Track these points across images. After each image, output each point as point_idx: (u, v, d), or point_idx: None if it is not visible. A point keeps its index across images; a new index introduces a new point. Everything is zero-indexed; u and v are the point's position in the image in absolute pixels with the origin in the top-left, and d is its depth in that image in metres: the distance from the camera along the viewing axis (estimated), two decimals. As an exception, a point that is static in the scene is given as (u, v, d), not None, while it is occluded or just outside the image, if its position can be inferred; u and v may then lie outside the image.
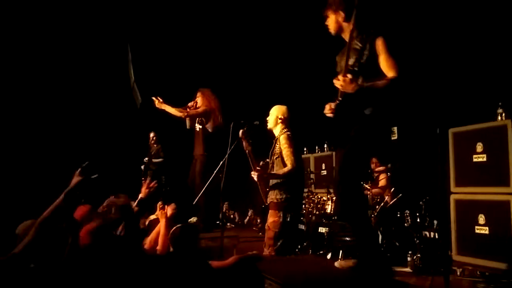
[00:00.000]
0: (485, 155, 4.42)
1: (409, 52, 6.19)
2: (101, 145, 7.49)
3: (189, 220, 5.28)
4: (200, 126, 5.52)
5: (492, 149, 4.36)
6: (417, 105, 6.13)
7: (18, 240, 2.39)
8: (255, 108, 4.83)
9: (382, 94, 3.03)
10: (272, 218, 4.08)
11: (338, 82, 3.15)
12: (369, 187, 5.37)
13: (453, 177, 4.74)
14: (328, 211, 5.74)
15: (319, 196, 6.00)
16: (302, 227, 6.10)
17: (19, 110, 6.79)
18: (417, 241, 4.74)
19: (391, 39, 3.30)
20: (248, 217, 8.98)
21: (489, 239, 4.28)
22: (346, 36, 3.27)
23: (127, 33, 7.37)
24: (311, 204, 5.99)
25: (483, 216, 4.37)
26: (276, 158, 4.18)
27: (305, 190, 6.32)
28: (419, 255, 4.63)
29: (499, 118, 4.38)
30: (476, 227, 4.42)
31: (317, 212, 5.84)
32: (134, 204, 3.58)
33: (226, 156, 4.30)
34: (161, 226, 3.61)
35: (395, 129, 6.95)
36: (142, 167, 7.39)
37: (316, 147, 7.89)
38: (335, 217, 5.67)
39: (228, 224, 8.75)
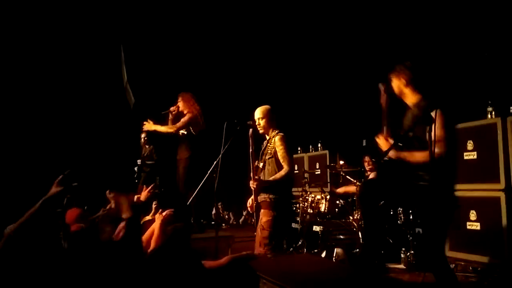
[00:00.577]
0: (475, 153, 4.48)
1: (401, 51, 6.26)
2: (94, 146, 7.48)
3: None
4: (185, 132, 5.55)
5: (483, 146, 4.42)
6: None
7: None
8: (244, 108, 4.82)
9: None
10: (265, 217, 4.09)
11: (380, 141, 3.34)
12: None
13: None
14: (322, 210, 5.78)
15: (313, 195, 6.04)
16: (296, 226, 6.15)
17: (10, 110, 6.76)
18: (410, 238, 4.81)
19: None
20: (243, 217, 9.02)
21: (480, 234, 4.34)
22: (407, 100, 3.35)
23: (120, 34, 7.36)
24: (305, 203, 6.02)
25: (474, 212, 4.43)
26: (268, 158, 4.18)
27: (299, 189, 6.35)
28: (412, 251, 4.69)
29: (489, 116, 4.45)
30: (467, 223, 4.48)
31: (311, 211, 5.88)
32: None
33: (220, 156, 4.29)
34: (155, 228, 3.63)
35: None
36: (136, 168, 7.39)
37: (310, 147, 7.93)
38: (329, 216, 5.72)
39: (223, 224, 8.79)
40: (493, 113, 4.43)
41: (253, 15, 7.85)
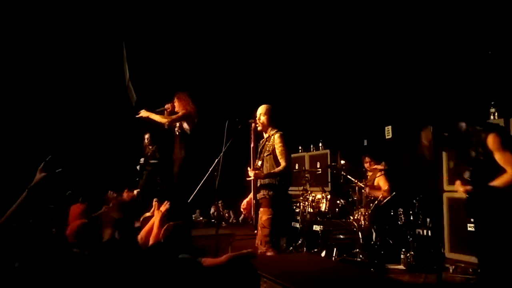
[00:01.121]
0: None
1: (404, 53, 6.26)
2: (96, 143, 7.48)
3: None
4: (179, 130, 5.57)
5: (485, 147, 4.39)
6: (411, 105, 6.17)
7: None
8: (246, 107, 4.82)
9: None
10: (265, 215, 4.10)
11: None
12: (363, 185, 5.40)
13: (446, 175, 4.78)
14: (323, 209, 5.78)
15: (314, 195, 6.03)
16: (296, 225, 6.14)
17: (12, 108, 6.77)
18: (410, 239, 4.80)
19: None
20: (242, 215, 9.01)
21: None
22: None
23: (122, 32, 7.36)
24: (306, 203, 6.02)
25: (475, 214, 4.41)
26: (267, 155, 4.22)
27: (300, 188, 6.35)
28: (412, 252, 4.69)
29: (492, 117, 4.42)
30: (468, 225, 4.45)
31: (311, 210, 5.88)
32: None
33: (221, 154, 4.31)
34: (154, 223, 3.63)
35: (390, 128, 7.01)
36: (138, 167, 7.39)
37: (311, 146, 7.92)
38: (329, 215, 5.72)
39: (223, 222, 8.79)
40: (496, 114, 4.41)
41: (255, 14, 7.84)
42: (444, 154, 4.83)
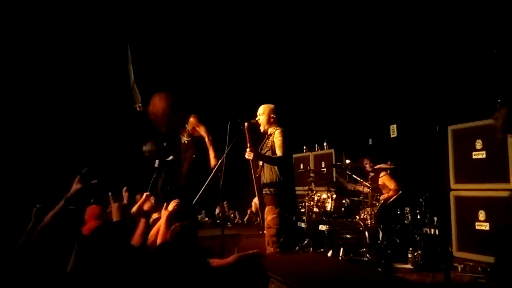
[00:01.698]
0: (484, 152, 4.44)
1: (409, 50, 6.22)
2: (107, 145, 7.50)
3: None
4: (189, 139, 5.70)
5: (492, 146, 4.37)
6: (416, 103, 6.15)
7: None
8: (249, 108, 4.83)
9: None
10: (270, 215, 4.09)
11: None
12: (369, 185, 5.37)
13: (452, 174, 4.76)
14: (328, 209, 5.75)
15: (319, 194, 6.01)
16: (302, 225, 6.13)
17: (23, 110, 6.81)
18: (418, 238, 4.78)
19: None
20: (247, 216, 9.01)
21: (489, 235, 4.30)
22: None
23: (126, 33, 7.36)
24: (311, 202, 6.00)
25: (483, 212, 4.39)
26: (266, 152, 4.23)
27: (305, 188, 6.33)
28: (419, 251, 4.66)
29: (498, 115, 4.39)
30: (476, 223, 4.44)
31: (317, 210, 5.86)
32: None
33: (224, 155, 4.30)
34: (161, 223, 3.61)
35: (395, 127, 6.99)
36: (156, 164, 7.33)
37: (316, 145, 7.90)
38: (335, 215, 5.70)
39: (228, 223, 8.78)
40: (502, 111, 4.38)
41: (258, 14, 7.82)
42: (450, 153, 4.81)
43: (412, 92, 6.27)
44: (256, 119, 4.33)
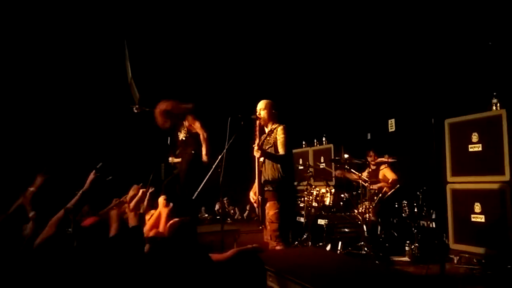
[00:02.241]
0: (480, 145, 4.47)
1: (405, 45, 6.25)
2: (104, 144, 7.54)
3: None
4: (187, 135, 5.70)
5: (488, 138, 4.41)
6: (414, 97, 6.18)
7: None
8: (248, 103, 4.86)
9: None
10: (272, 210, 4.14)
11: None
12: (367, 178, 5.42)
13: (449, 167, 4.80)
14: (327, 203, 5.80)
15: (318, 189, 6.06)
16: (301, 219, 6.18)
17: (18, 108, 6.83)
18: (415, 231, 4.83)
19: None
20: (247, 212, 9.07)
21: (485, 227, 4.34)
22: None
23: (123, 29, 7.38)
24: (310, 197, 6.04)
25: (479, 205, 4.43)
26: (268, 148, 4.27)
27: (304, 183, 6.37)
28: (417, 244, 4.72)
29: (494, 108, 4.43)
30: (472, 215, 4.48)
31: (316, 205, 5.91)
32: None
33: (224, 151, 4.33)
34: (161, 218, 3.64)
35: (393, 121, 7.03)
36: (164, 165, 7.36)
37: (315, 140, 7.93)
38: (334, 209, 5.75)
39: (228, 219, 8.84)
40: (498, 104, 4.41)
41: (257, 10, 7.84)
42: (447, 146, 4.85)
43: (410, 86, 6.31)
44: (257, 114, 4.37)
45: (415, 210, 5.00)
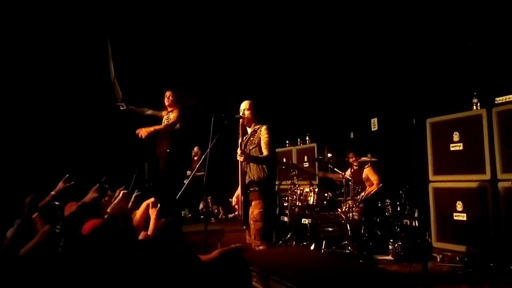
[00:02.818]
0: (461, 144, 4.53)
1: (387, 45, 6.30)
2: (89, 143, 7.45)
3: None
4: (178, 127, 5.60)
5: (468, 138, 4.47)
6: (396, 97, 6.24)
7: None
8: (231, 103, 4.84)
9: None
10: (256, 209, 4.12)
11: None
12: (349, 177, 5.44)
13: (431, 166, 4.85)
14: (311, 202, 5.81)
15: (302, 188, 6.06)
16: (285, 219, 6.17)
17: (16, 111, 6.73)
18: (398, 229, 4.87)
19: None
20: (233, 214, 9.03)
21: (467, 225, 4.40)
22: None
23: (106, 27, 7.28)
24: (294, 196, 6.04)
25: (460, 203, 4.49)
26: (252, 148, 4.26)
27: (288, 182, 6.37)
28: (400, 243, 4.75)
29: (474, 107, 4.49)
30: (454, 214, 4.54)
31: (300, 204, 5.90)
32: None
33: (208, 150, 4.30)
34: (151, 217, 3.59)
35: (375, 120, 7.08)
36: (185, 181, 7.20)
37: (298, 140, 7.95)
38: (318, 208, 5.76)
39: (212, 218, 8.79)
40: (478, 104, 4.48)
41: (238, 10, 7.81)
42: (429, 145, 4.90)
43: (392, 86, 6.36)
44: (241, 114, 4.34)
45: (398, 209, 5.05)
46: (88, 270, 2.29)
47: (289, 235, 5.73)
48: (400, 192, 5.12)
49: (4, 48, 6.72)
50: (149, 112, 5.85)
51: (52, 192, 2.72)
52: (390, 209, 5.13)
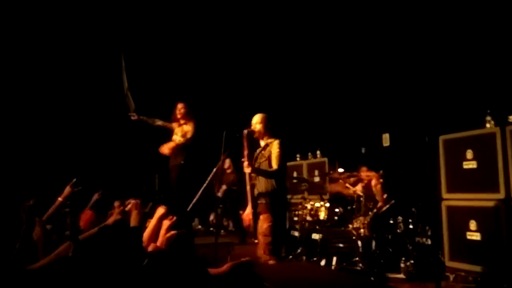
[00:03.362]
0: (475, 162, 4.49)
1: (400, 61, 6.30)
2: (102, 152, 7.53)
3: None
4: (182, 140, 5.68)
5: (482, 156, 4.43)
6: (408, 113, 6.21)
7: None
8: (243, 117, 4.87)
9: None
10: (265, 223, 4.12)
11: None
12: (360, 193, 5.40)
13: (444, 183, 4.81)
14: (321, 217, 5.77)
15: (313, 203, 6.03)
16: (295, 233, 6.14)
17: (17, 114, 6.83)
18: (410, 247, 4.81)
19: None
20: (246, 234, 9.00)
21: (480, 244, 4.34)
22: None
23: (120, 41, 7.39)
24: (304, 211, 6.01)
25: (474, 222, 4.43)
26: (263, 161, 4.27)
27: (299, 196, 6.35)
28: (412, 261, 4.69)
29: (488, 125, 4.45)
30: (467, 233, 4.47)
31: (310, 219, 5.88)
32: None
33: (220, 163, 4.33)
34: (162, 228, 3.60)
35: (387, 136, 7.05)
36: (220, 194, 7.22)
37: (309, 154, 7.93)
38: (328, 224, 5.72)
39: (222, 231, 8.76)
40: (492, 122, 4.44)
41: (250, 23, 7.89)
42: (441, 163, 4.86)
43: (405, 101, 6.34)
44: (252, 127, 4.37)
45: (410, 226, 4.99)
46: (99, 282, 2.30)
47: (299, 250, 5.69)
48: (413, 209, 5.07)
49: (20, 58, 6.85)
50: (160, 123, 5.92)
51: (60, 198, 2.71)
52: (402, 226, 5.07)
